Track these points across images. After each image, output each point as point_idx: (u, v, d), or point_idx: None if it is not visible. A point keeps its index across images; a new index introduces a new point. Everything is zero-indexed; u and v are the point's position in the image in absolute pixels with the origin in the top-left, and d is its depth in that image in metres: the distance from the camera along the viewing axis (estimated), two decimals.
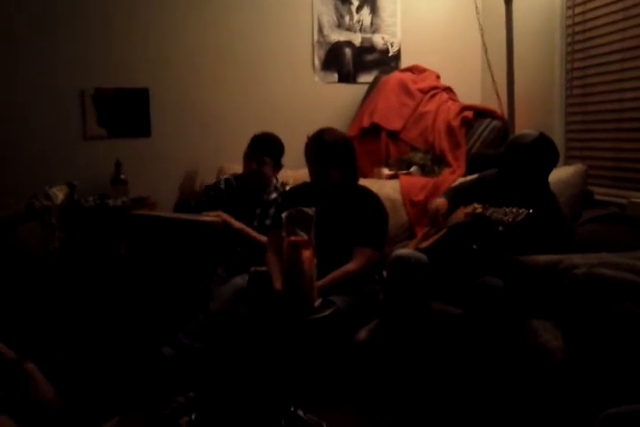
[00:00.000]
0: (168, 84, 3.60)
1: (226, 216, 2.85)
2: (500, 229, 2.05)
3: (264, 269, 2.39)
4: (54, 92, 3.46)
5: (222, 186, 3.08)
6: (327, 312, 2.24)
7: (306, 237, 2.22)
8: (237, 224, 2.85)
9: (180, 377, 2.42)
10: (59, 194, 2.64)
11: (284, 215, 2.29)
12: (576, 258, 1.89)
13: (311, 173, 2.62)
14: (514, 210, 2.06)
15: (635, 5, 2.74)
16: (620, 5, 2.83)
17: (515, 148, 2.34)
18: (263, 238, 2.75)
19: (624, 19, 2.80)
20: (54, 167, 3.42)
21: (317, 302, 2.28)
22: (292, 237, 2.22)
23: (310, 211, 2.27)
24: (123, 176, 3.43)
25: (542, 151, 2.32)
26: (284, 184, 3.02)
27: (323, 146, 2.55)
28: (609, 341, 1.54)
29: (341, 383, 2.36)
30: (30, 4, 3.37)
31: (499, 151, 2.59)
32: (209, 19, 3.61)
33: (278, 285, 2.34)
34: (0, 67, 3.35)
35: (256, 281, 2.28)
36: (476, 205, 2.30)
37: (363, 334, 2.43)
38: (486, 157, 3.18)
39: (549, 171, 2.37)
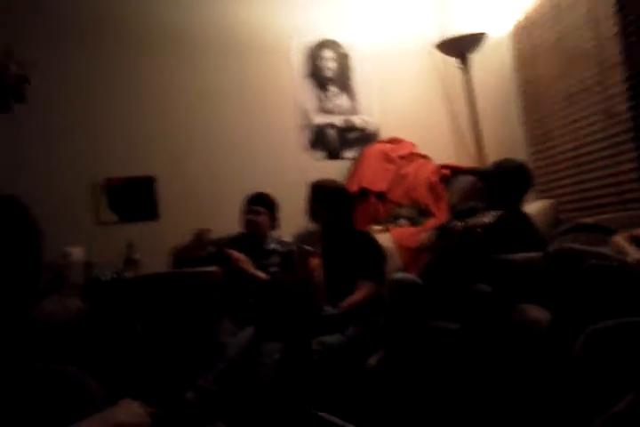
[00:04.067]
0: (172, 172, 3.94)
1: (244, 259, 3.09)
2: (479, 230, 2.32)
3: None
4: (68, 183, 3.79)
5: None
6: (335, 311, 2.43)
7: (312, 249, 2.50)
8: (252, 270, 3.09)
9: (202, 418, 2.54)
10: (77, 252, 2.87)
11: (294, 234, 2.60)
12: None
13: (307, 210, 2.96)
14: (487, 214, 2.36)
15: (572, 50, 3.21)
16: (560, 58, 3.29)
17: (505, 166, 2.80)
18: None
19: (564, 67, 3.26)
20: None
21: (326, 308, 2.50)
22: (302, 248, 2.50)
23: (316, 229, 2.57)
24: (135, 256, 3.69)
25: (524, 173, 2.79)
26: (281, 237, 3.29)
27: (315, 187, 2.96)
28: (583, 299, 1.74)
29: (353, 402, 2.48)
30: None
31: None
32: (207, 110, 4.02)
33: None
34: (12, 161, 3.68)
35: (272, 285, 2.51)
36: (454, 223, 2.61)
37: (373, 360, 2.59)
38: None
39: (525, 190, 2.76)
